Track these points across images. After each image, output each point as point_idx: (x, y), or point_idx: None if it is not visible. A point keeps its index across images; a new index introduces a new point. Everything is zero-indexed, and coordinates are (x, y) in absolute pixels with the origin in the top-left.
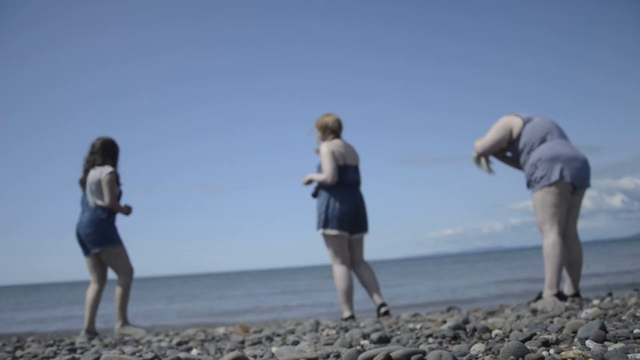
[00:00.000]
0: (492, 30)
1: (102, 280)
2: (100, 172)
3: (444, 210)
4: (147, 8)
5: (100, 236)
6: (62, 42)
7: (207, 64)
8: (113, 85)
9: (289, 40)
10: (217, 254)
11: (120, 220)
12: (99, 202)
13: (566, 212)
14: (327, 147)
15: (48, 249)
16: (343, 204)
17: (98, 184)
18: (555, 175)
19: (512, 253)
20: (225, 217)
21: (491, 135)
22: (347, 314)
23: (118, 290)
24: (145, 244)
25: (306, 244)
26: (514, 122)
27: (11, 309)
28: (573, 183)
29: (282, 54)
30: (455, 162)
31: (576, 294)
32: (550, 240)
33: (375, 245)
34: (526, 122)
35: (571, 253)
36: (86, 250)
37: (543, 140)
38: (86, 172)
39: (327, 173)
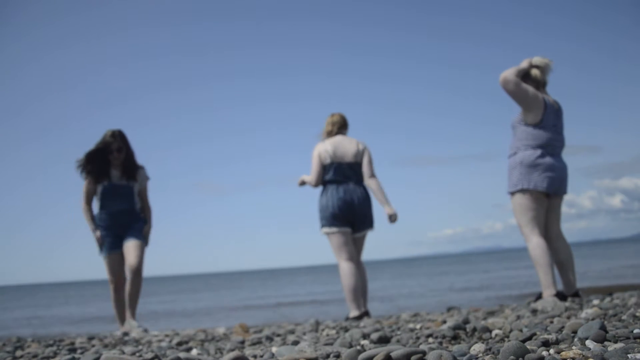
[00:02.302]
0: (491, 33)
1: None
2: None
3: (444, 210)
4: (152, 13)
5: None
6: (65, 46)
7: (209, 68)
8: (117, 88)
9: (288, 44)
10: (217, 253)
11: None
12: None
13: (545, 215)
14: (315, 150)
15: (57, 248)
16: (334, 200)
17: None
18: (528, 184)
19: (512, 253)
20: (225, 218)
21: (524, 86)
22: (354, 313)
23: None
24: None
25: (306, 244)
26: (537, 109)
27: (14, 308)
28: (546, 191)
29: (282, 57)
30: (455, 162)
31: (575, 294)
32: (533, 243)
33: (375, 245)
34: (538, 125)
35: (558, 254)
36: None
37: (532, 147)
38: None
39: (311, 176)
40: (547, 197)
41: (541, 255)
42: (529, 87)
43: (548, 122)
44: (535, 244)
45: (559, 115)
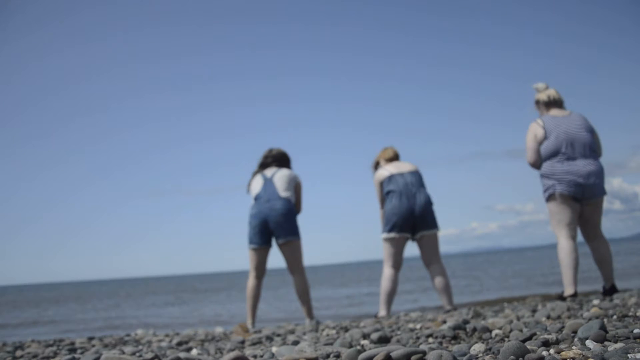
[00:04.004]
0: (487, 34)
1: (263, 274)
2: (294, 175)
3: (443, 211)
4: (150, 14)
5: (294, 226)
6: (64, 47)
7: (212, 70)
8: (116, 89)
9: (285, 45)
10: (221, 253)
11: (127, 221)
12: (290, 196)
13: (575, 218)
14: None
15: (58, 249)
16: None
17: (292, 182)
18: (550, 191)
19: (511, 253)
20: (228, 217)
21: (528, 145)
22: (382, 312)
23: (301, 287)
24: (148, 244)
25: (308, 244)
26: (537, 132)
27: (14, 308)
28: (573, 196)
29: (280, 59)
30: (453, 162)
31: (612, 288)
32: (560, 244)
33: (375, 245)
34: (547, 136)
35: (596, 252)
36: (266, 240)
37: (550, 157)
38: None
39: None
40: (580, 202)
41: (563, 258)
42: (538, 148)
43: (548, 132)
44: (561, 245)
45: (573, 123)
